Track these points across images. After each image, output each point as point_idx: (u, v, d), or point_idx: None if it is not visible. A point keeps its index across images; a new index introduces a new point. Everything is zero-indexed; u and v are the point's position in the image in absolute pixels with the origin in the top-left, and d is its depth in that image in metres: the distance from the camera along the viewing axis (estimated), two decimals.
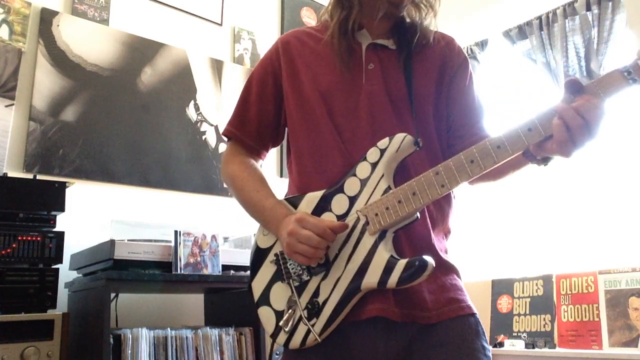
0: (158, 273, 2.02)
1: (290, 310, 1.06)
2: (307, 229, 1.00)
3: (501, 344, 2.80)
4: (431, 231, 1.08)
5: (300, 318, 1.04)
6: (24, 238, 1.88)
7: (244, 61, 3.16)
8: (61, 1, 2.58)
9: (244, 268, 2.24)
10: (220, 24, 3.12)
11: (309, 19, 3.50)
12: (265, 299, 1.11)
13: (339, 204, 1.06)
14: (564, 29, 2.78)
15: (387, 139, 1.04)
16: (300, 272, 1.06)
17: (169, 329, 2.01)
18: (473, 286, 3.09)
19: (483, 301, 3.03)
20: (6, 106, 2.32)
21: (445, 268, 1.09)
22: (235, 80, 3.07)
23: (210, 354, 2.04)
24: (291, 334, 1.05)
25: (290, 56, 1.20)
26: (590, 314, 2.56)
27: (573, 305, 2.64)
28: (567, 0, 2.80)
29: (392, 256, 0.99)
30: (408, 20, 1.17)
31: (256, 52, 3.21)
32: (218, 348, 2.07)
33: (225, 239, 2.43)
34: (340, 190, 1.07)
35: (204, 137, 2.89)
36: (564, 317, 2.66)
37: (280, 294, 1.09)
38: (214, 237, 2.18)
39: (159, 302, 2.51)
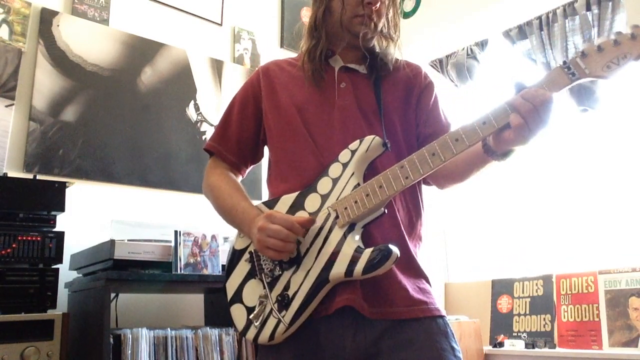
0: (158, 273, 2.02)
1: (260, 305, 1.09)
2: (275, 223, 1.05)
3: (501, 344, 2.80)
4: (404, 233, 1.14)
5: (271, 311, 1.08)
6: (24, 238, 1.88)
7: (244, 61, 3.16)
8: (61, 1, 2.58)
9: None
10: (220, 24, 3.12)
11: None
12: (237, 297, 1.15)
13: (312, 202, 1.13)
14: (564, 29, 2.78)
15: (357, 141, 1.13)
16: (273, 267, 1.11)
17: (169, 329, 2.01)
18: (473, 286, 3.09)
19: (483, 301, 3.02)
20: (6, 106, 2.32)
21: (415, 272, 1.14)
22: (235, 80, 3.07)
23: (210, 354, 2.04)
24: (260, 328, 1.08)
25: (269, 79, 1.30)
26: (590, 314, 2.56)
27: (573, 305, 2.64)
28: (567, 0, 2.79)
29: (359, 246, 1.03)
30: (378, 50, 1.29)
31: (256, 52, 3.21)
32: (218, 348, 2.07)
33: (225, 239, 2.42)
34: (314, 189, 1.14)
35: (204, 137, 2.89)
36: (564, 317, 2.66)
37: (252, 291, 1.13)
38: (214, 237, 2.18)
39: (159, 302, 2.51)
